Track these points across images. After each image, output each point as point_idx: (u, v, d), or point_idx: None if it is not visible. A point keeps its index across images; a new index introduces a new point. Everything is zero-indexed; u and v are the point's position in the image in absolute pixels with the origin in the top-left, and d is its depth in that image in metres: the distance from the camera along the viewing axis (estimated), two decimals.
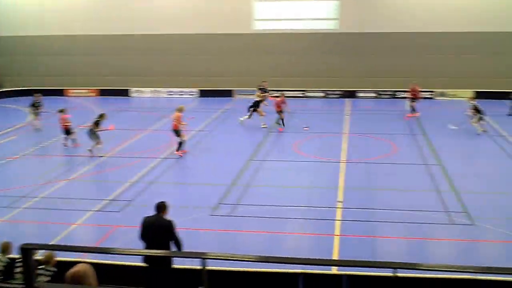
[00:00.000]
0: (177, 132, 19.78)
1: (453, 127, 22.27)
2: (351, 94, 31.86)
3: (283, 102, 23.54)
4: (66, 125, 21.08)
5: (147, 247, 8.72)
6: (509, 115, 25.58)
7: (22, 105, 29.09)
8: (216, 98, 32.13)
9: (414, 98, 26.19)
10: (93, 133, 19.57)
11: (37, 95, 25.14)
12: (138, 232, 8.91)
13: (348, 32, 31.34)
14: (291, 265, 8.54)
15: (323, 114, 27.87)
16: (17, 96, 33.06)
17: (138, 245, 8.87)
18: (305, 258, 3.56)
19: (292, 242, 12.62)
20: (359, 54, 31.60)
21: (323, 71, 31.96)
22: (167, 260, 8.60)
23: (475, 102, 22.52)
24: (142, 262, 8.79)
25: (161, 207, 9.01)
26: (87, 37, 33.98)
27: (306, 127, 22.90)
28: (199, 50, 32.96)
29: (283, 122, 23.40)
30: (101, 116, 19.99)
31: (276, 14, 32.24)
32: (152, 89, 33.90)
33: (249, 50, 32.61)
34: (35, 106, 24.44)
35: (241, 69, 32.75)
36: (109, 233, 13.20)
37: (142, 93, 33.97)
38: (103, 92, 34.19)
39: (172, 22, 32.60)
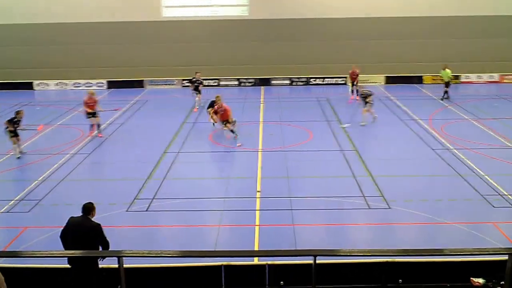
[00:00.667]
0: (93, 114, 20.40)
1: (346, 125, 22.01)
2: (265, 82, 32.19)
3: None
4: None
5: (70, 248, 8.35)
6: (442, 99, 26.78)
7: None
8: (126, 89, 31.32)
9: (353, 81, 27.17)
10: (12, 133, 18.21)
11: None
12: (61, 231, 8.50)
13: (259, 19, 31.52)
14: (213, 258, 8.54)
15: (238, 102, 27.97)
16: None
17: (51, 247, 8.48)
18: (226, 251, 3.55)
19: (213, 235, 12.59)
20: (271, 41, 31.89)
21: (237, 59, 32.05)
22: (92, 261, 8.29)
23: (364, 89, 22.74)
24: (67, 263, 8.42)
25: (88, 209, 8.63)
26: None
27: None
28: (106, 39, 31.90)
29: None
30: (18, 113, 18.59)
31: (185, 1, 31.75)
32: (57, 81, 32.46)
33: (158, 39, 31.99)
34: None
35: (152, 59, 32.12)
36: (19, 235, 12.54)
37: (46, 86, 32.45)
38: (3, 86, 32.21)
39: (78, 10, 31.30)
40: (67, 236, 8.53)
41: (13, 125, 18.22)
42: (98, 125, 21.20)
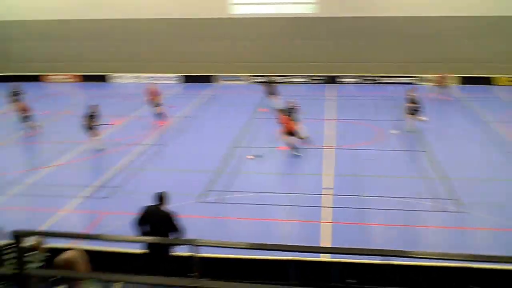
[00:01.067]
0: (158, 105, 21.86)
1: (395, 132, 20.75)
2: (334, 80, 31.93)
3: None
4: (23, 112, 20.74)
5: (146, 235, 8.75)
6: None
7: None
8: (200, 83, 31.97)
9: (440, 85, 26.85)
10: (90, 128, 18.84)
11: (16, 84, 24.55)
12: (136, 219, 8.93)
13: (329, 17, 31.26)
14: (282, 252, 8.65)
15: (306, 99, 27.87)
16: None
17: (127, 232, 8.89)
18: (296, 245, 3.62)
19: (280, 229, 12.74)
20: (340, 39, 31.55)
21: (306, 56, 31.95)
22: (165, 248, 8.64)
23: (413, 94, 21.31)
24: (144, 249, 8.81)
25: (162, 197, 9.04)
26: (65, 22, 33.50)
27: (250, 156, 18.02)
28: (180, 35, 32.70)
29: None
30: (94, 109, 19.24)
31: None
32: (134, 74, 33.60)
33: (230, 35, 32.37)
34: (15, 94, 23.97)
35: (224, 55, 32.58)
36: (98, 219, 13.22)
37: (123, 79, 33.66)
38: (84, 78, 33.83)
39: (152, 7, 32.28)
40: (143, 224, 8.94)
41: (90, 120, 18.86)
42: (162, 114, 22.18)
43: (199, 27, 32.31)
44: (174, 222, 8.88)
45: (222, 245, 3.97)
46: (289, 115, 18.57)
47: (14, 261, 8.66)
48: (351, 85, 31.40)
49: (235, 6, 32.04)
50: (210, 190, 14.91)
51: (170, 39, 32.89)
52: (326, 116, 23.42)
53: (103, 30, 33.23)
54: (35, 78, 33.43)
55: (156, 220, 8.87)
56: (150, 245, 8.66)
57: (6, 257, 9.18)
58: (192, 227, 12.46)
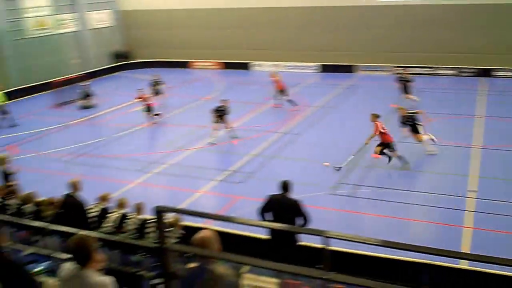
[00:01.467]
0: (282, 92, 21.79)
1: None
2: (487, 73, 29.68)
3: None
4: (147, 102, 21.52)
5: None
6: None
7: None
8: (338, 73, 31.68)
9: None
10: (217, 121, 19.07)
11: (155, 75, 25.66)
12: (260, 207, 9.11)
13: (481, 4, 28.91)
14: (415, 253, 8.33)
15: (454, 93, 26.36)
16: (146, 68, 35.02)
17: (255, 217, 9.10)
18: (432, 248, 3.41)
19: (416, 230, 12.26)
20: (496, 28, 29.06)
21: (454, 46, 29.95)
22: (292, 236, 8.75)
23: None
24: (267, 235, 9.02)
25: (287, 186, 9.14)
26: (208, 11, 35.11)
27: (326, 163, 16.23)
28: (319, 24, 32.52)
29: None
30: (225, 102, 19.33)
31: None
32: (273, 63, 34.22)
33: (370, 24, 31.46)
34: (155, 85, 25.15)
35: (364, 44, 31.82)
36: (232, 203, 13.73)
37: (262, 67, 34.39)
38: (226, 65, 35.20)
39: None
40: (266, 212, 9.07)
41: (218, 114, 19.07)
42: (291, 101, 22.92)
43: (339, 15, 31.91)
44: (302, 210, 8.94)
45: (353, 239, 3.88)
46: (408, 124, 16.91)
47: (154, 235, 9.37)
48: (507, 79, 29.00)
49: None
50: (342, 183, 14.75)
51: (309, 28, 32.90)
52: (477, 112, 21.88)
53: (245, 18, 34.22)
54: (182, 65, 35.52)
55: (282, 208, 8.95)
56: (274, 233, 8.79)
57: (148, 230, 9.94)
58: (322, 218, 12.47)
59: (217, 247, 4.59)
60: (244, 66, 34.56)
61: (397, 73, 24.40)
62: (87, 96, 25.47)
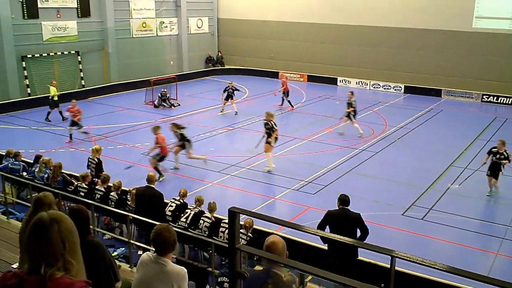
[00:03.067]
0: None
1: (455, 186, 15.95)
2: None
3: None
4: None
5: (330, 239, 8.86)
6: None
7: (241, 82, 31.33)
8: (422, 96, 30.78)
9: None
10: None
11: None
12: (320, 222, 9.05)
13: None
14: (485, 285, 7.95)
15: None
16: (235, 74, 35.73)
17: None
18: (502, 281, 3.24)
19: (487, 261, 11.68)
20: None
21: None
22: (354, 250, 8.66)
23: None
24: (327, 246, 8.99)
25: (347, 201, 9.06)
26: (302, 25, 35.22)
27: None
28: (411, 45, 31.73)
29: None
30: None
31: (498, 12, 29.15)
32: (358, 80, 33.84)
33: (464, 50, 30.27)
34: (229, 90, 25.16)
35: (451, 68, 30.68)
36: (303, 213, 13.71)
37: (348, 83, 34.13)
38: (312, 79, 35.21)
39: (388, 14, 31.93)
40: (333, 227, 8.97)
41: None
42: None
43: (431, 38, 30.98)
44: (363, 224, 8.82)
45: (420, 262, 3.79)
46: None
47: (225, 235, 9.54)
48: None
49: (478, 20, 29.83)
50: (416, 205, 14.33)
51: (398, 48, 32.24)
52: None
53: (336, 34, 34.08)
54: (270, 74, 35.99)
55: (342, 222, 8.87)
56: (334, 245, 8.70)
57: (221, 229, 10.14)
58: (390, 238, 12.24)
59: (285, 253, 4.62)
60: (330, 81, 34.37)
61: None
62: (165, 98, 26.42)
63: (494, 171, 15.00)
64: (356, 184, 15.76)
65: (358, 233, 8.88)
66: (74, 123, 19.90)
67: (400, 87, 32.43)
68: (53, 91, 23.14)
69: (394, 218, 13.48)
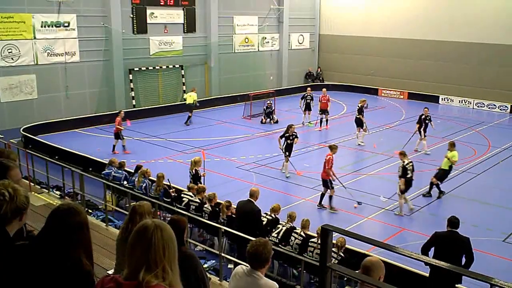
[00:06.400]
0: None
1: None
2: None
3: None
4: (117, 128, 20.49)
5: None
6: None
7: (339, 98, 31.18)
8: None
9: None
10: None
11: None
12: (425, 243, 8.88)
13: None
14: None
15: None
16: (334, 90, 35.55)
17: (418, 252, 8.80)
18: None
19: None
20: None
21: None
22: (457, 278, 8.35)
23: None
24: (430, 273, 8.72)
25: (457, 224, 8.77)
26: (403, 41, 34.59)
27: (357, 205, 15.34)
28: None
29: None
30: (291, 127, 17.99)
31: None
32: (461, 98, 32.45)
33: None
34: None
35: None
36: (396, 234, 13.37)
37: (450, 102, 32.84)
38: (412, 96, 34.27)
39: (496, 29, 30.38)
40: (441, 250, 8.68)
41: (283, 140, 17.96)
42: (327, 121, 24.56)
43: None
44: (471, 250, 8.48)
45: None
46: None
47: (316, 252, 9.52)
48: None
49: None
50: None
51: (503, 67, 30.62)
52: None
53: (437, 51, 33.01)
54: (369, 90, 35.48)
55: (449, 245, 8.58)
56: (436, 271, 8.41)
57: (310, 247, 10.13)
58: (491, 265, 11.60)
59: (382, 275, 4.58)
60: (431, 99, 33.17)
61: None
62: (269, 113, 26.59)
63: None
64: (454, 207, 15.11)
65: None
66: (117, 136, 20.40)
67: (506, 106, 30.71)
68: (194, 98, 25.55)
69: (495, 244, 12.81)
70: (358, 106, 22.27)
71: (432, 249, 8.83)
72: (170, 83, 29.55)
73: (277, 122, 26.30)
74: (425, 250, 8.81)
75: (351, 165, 19.27)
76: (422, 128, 20.78)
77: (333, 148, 14.98)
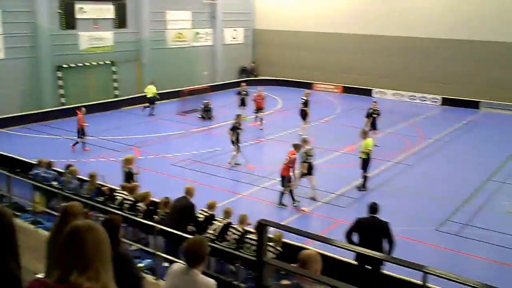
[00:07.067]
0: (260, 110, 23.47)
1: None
2: None
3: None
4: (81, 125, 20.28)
5: (359, 245, 8.85)
6: None
7: (274, 93, 31.42)
8: (460, 108, 30.16)
9: None
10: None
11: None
12: (348, 229, 9.27)
13: None
14: None
15: None
16: (268, 85, 35.71)
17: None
18: None
19: None
20: None
21: None
22: (379, 263, 8.68)
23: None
24: (354, 260, 9.05)
25: (376, 209, 9.25)
26: (338, 35, 35.18)
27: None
28: (450, 55, 31.10)
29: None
30: (238, 117, 18.65)
31: None
32: (394, 91, 33.49)
33: (500, 60, 29.45)
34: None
35: (494, 80, 29.88)
36: (332, 226, 13.58)
37: (384, 95, 33.77)
38: (347, 90, 35.01)
39: (428, 24, 31.45)
40: (361, 235, 9.10)
41: (233, 132, 18.40)
42: (261, 119, 23.85)
43: (469, 48, 30.35)
44: (390, 232, 8.83)
45: (454, 279, 3.73)
46: None
47: (254, 248, 9.50)
48: None
49: None
50: (450, 220, 14.06)
51: (434, 59, 31.72)
52: None
53: (370, 45, 33.84)
54: (304, 85, 35.74)
55: (370, 230, 8.94)
56: (360, 258, 8.74)
57: (248, 242, 10.10)
58: (423, 254, 12.01)
59: (319, 268, 4.59)
60: (365, 92, 34.02)
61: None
62: (207, 110, 26.44)
63: None
64: (389, 198, 15.54)
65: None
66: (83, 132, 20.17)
67: (437, 98, 31.94)
68: (153, 90, 26.75)
69: (428, 233, 13.25)
70: (304, 99, 22.54)
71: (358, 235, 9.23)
72: (101, 80, 28.76)
73: (210, 118, 26.26)
74: (348, 236, 9.17)
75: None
76: (370, 122, 21.05)
77: (297, 147, 15.04)
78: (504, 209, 14.99)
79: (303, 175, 15.15)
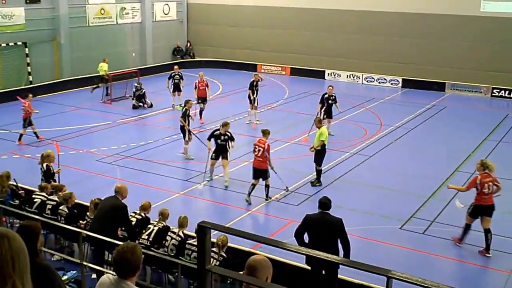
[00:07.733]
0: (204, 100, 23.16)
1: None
2: None
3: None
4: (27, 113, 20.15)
5: (310, 246, 8.90)
6: None
7: (214, 76, 31.20)
8: (424, 91, 30.93)
9: None
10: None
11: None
12: (297, 228, 9.33)
13: None
14: None
15: None
16: (207, 67, 35.51)
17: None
18: None
19: (499, 280, 11.75)
20: None
21: None
22: (335, 266, 8.74)
23: None
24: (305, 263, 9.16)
25: (327, 204, 9.25)
26: (284, 10, 35.28)
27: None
28: (410, 33, 31.82)
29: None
30: (187, 103, 18.94)
31: None
32: (349, 73, 33.98)
33: (471, 37, 30.39)
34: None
35: (459, 59, 30.86)
36: (284, 227, 13.63)
37: (337, 77, 34.23)
38: (296, 71, 35.28)
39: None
40: (313, 233, 9.19)
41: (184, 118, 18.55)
42: (201, 111, 23.23)
43: (434, 24, 31.09)
44: (345, 233, 9.00)
45: (420, 284, 3.76)
46: None
47: (194, 254, 9.42)
48: None
49: (487, 2, 29.88)
50: (416, 217, 14.38)
51: (393, 37, 32.38)
52: None
53: (321, 20, 34.13)
54: (247, 67, 35.84)
55: (321, 228, 8.98)
56: (313, 261, 8.81)
57: (190, 248, 9.99)
58: (388, 256, 12.24)
59: (269, 275, 4.56)
60: (316, 74, 34.42)
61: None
62: (140, 95, 25.98)
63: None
64: (346, 193, 15.78)
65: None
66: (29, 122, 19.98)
67: (397, 80, 32.65)
68: (104, 68, 27.41)
69: (391, 232, 13.49)
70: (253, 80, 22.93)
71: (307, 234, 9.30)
72: (12, 64, 27.78)
73: (151, 106, 25.84)
74: (298, 235, 9.21)
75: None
76: (324, 109, 21.16)
77: (266, 133, 15.23)
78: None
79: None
